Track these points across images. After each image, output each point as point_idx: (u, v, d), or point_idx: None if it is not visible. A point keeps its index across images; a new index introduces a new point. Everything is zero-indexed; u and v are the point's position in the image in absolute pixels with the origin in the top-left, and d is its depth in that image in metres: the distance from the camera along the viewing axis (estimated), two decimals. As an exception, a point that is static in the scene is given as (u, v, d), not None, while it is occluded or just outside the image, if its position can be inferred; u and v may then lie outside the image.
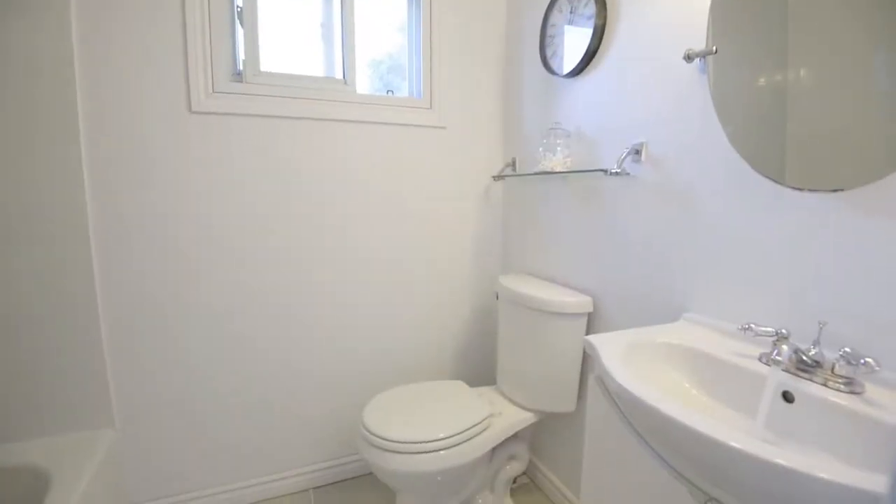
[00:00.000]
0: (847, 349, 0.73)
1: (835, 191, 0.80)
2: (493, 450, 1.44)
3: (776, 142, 0.89)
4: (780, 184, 0.88)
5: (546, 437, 1.72)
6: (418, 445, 1.25)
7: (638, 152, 1.22)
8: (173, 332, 1.48)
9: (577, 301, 1.39)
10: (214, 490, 1.59)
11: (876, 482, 0.49)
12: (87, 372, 1.37)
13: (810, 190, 0.83)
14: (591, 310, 1.40)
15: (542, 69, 1.57)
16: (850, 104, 0.78)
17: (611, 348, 0.90)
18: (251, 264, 1.55)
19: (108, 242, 1.37)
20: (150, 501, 1.52)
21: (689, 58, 1.01)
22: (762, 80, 0.91)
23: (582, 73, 1.42)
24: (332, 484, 1.76)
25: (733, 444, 0.58)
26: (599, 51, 1.35)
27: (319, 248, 1.63)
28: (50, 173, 1.27)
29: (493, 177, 1.86)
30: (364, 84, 1.74)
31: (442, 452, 1.26)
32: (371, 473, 1.68)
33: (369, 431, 1.28)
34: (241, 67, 1.50)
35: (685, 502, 0.73)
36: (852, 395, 0.71)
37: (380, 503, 1.64)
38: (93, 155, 1.32)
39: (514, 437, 1.48)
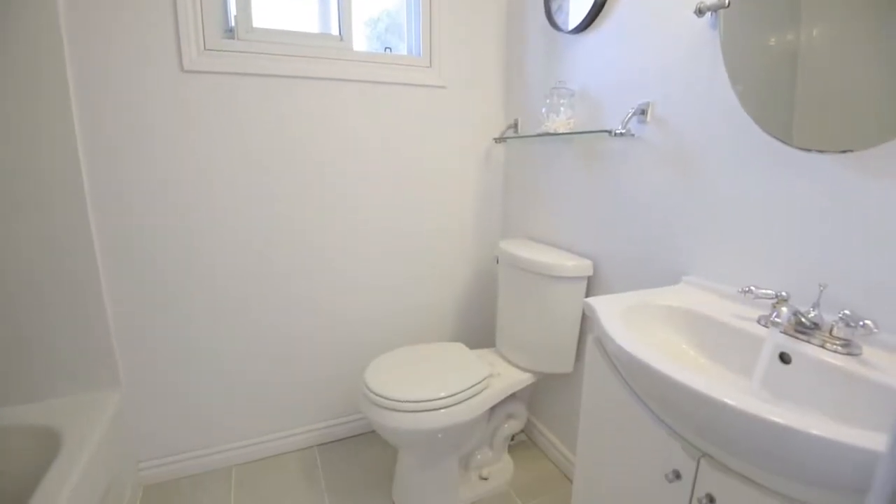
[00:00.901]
0: (846, 311, 0.73)
1: (843, 152, 0.78)
2: (492, 409, 1.47)
3: (785, 101, 0.86)
4: (788, 144, 0.86)
5: (543, 396, 1.76)
6: (420, 404, 1.28)
7: (643, 112, 1.18)
8: (175, 295, 1.48)
9: (577, 265, 1.39)
10: (221, 447, 1.65)
11: (872, 440, 0.50)
12: (91, 334, 1.38)
13: (818, 151, 0.82)
14: (591, 273, 1.40)
15: (547, 24, 1.51)
16: (862, 64, 0.75)
17: (610, 310, 0.90)
18: (251, 226, 1.54)
19: (106, 209, 1.36)
20: (158, 459, 1.57)
21: (700, 11, 0.96)
22: (774, 37, 0.88)
23: (588, 29, 1.37)
24: (336, 441, 1.81)
25: (728, 401, 0.59)
26: (607, 4, 1.29)
27: (318, 209, 1.62)
28: (42, 140, 1.24)
29: (495, 139, 1.83)
30: (361, 44, 1.68)
31: (442, 411, 1.29)
32: (373, 431, 1.73)
33: (372, 391, 1.31)
34: (233, 24, 1.44)
35: (679, 458, 0.75)
36: (849, 357, 0.72)
37: (382, 459, 1.70)
38: (84, 114, 1.29)
39: (513, 396, 1.52)
